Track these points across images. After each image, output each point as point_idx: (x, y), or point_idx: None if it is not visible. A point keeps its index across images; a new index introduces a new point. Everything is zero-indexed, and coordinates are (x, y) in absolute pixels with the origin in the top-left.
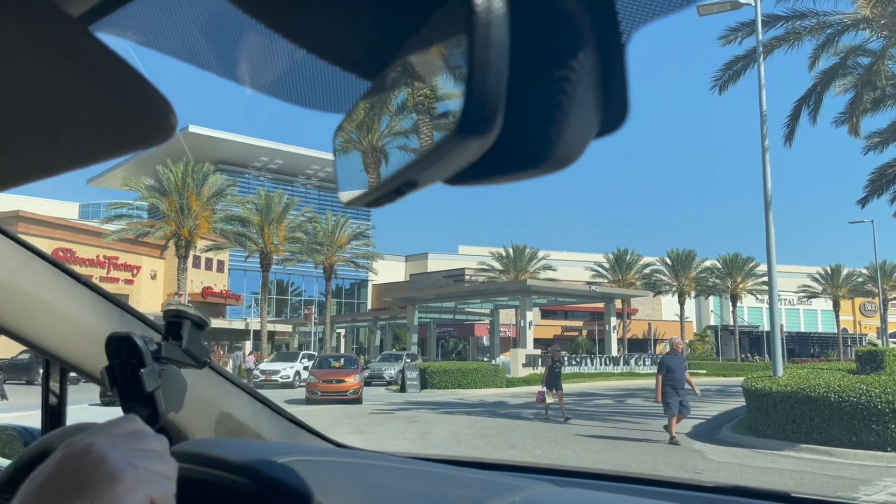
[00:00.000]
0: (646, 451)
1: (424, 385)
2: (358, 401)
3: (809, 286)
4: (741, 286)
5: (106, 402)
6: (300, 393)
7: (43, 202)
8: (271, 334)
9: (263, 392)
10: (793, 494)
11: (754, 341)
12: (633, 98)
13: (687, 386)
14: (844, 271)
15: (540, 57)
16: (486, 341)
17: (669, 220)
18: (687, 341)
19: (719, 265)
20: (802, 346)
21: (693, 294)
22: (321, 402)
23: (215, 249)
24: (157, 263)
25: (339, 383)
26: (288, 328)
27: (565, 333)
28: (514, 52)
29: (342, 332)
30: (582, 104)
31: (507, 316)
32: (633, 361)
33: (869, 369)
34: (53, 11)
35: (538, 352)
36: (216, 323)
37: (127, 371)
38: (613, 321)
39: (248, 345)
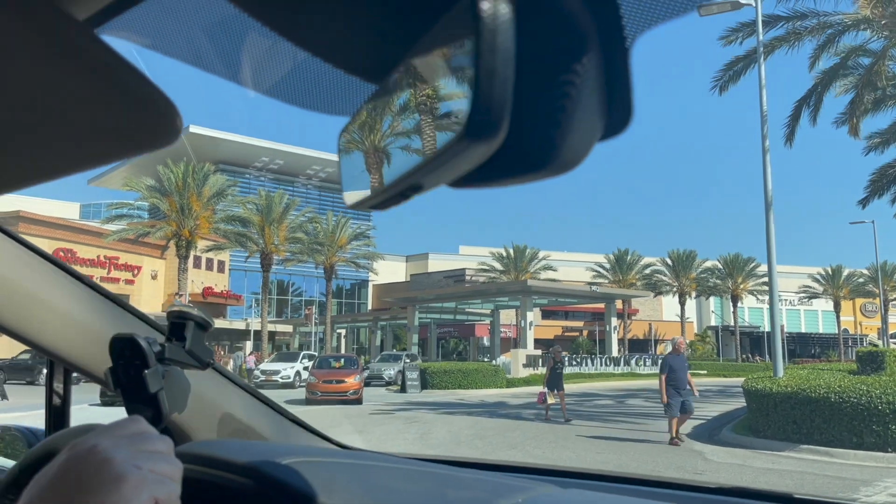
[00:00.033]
0: (646, 452)
1: (425, 385)
2: (358, 401)
3: (810, 287)
4: (742, 287)
5: (106, 402)
6: (300, 393)
7: (44, 202)
8: (272, 334)
9: (264, 392)
10: (795, 496)
11: (755, 342)
12: (634, 99)
13: (687, 387)
14: (845, 272)
15: (546, 62)
16: (486, 342)
17: (670, 221)
18: (688, 342)
19: (720, 265)
20: (803, 346)
21: (694, 294)
22: (321, 402)
23: (216, 250)
24: (157, 264)
25: (339, 384)
26: (288, 328)
27: (566, 334)
28: (519, 57)
29: (343, 332)
30: (587, 108)
31: (507, 316)
32: (633, 362)
33: (869, 370)
34: (59, 15)
35: (539, 352)
36: (217, 323)
37: (131, 372)
38: (614, 321)
39: (249, 345)
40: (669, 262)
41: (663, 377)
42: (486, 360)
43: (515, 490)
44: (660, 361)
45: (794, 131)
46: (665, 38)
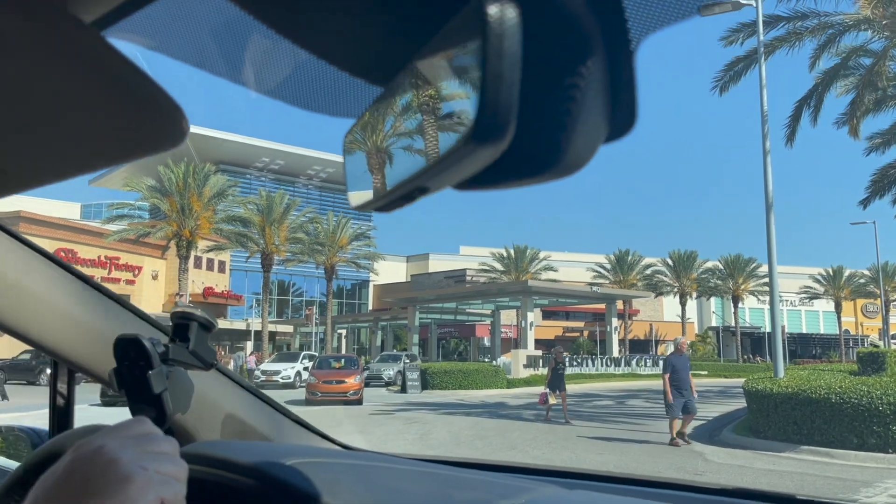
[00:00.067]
0: (646, 453)
1: (425, 386)
2: (358, 401)
3: (811, 287)
4: (743, 287)
5: (106, 402)
6: (301, 393)
7: (44, 202)
8: (272, 335)
9: (265, 392)
10: (798, 497)
11: (756, 342)
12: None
13: (689, 387)
14: (846, 272)
15: (552, 65)
16: (487, 342)
17: (671, 221)
18: (689, 342)
19: (721, 266)
20: (804, 347)
21: (694, 295)
22: (321, 402)
23: (217, 250)
24: (158, 264)
25: (339, 384)
26: (289, 328)
27: (566, 334)
28: (525, 61)
29: (343, 332)
30: (591, 111)
31: (508, 317)
32: (634, 362)
33: (870, 370)
34: (66, 17)
35: (539, 353)
36: (217, 323)
37: (135, 373)
38: (615, 322)
39: (250, 345)
40: (670, 262)
41: (667, 377)
42: (486, 360)
43: (518, 491)
44: (661, 362)
45: (795, 132)
46: (665, 38)
